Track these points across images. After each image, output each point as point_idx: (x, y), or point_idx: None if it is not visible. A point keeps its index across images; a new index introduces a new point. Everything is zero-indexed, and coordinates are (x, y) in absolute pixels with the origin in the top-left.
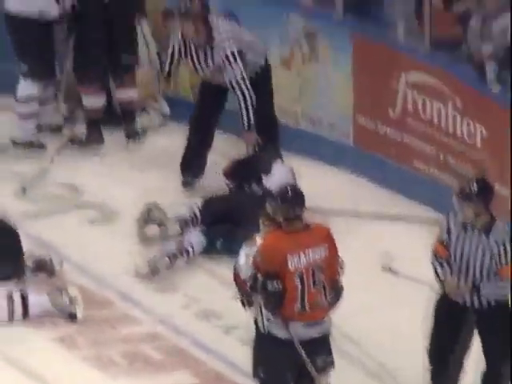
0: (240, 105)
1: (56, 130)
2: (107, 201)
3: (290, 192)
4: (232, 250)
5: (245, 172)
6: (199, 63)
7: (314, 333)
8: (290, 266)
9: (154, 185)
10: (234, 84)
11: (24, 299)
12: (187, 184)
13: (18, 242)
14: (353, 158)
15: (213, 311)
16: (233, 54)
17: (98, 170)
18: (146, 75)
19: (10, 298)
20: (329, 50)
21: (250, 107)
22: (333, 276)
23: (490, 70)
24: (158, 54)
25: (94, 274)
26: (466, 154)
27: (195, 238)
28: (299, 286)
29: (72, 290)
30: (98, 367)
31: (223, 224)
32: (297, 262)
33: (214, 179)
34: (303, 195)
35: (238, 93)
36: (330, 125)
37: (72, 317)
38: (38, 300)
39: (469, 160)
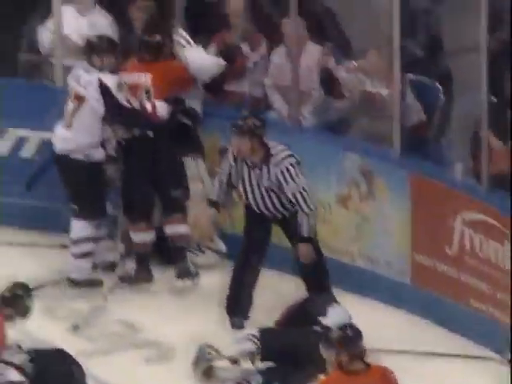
0: (301, 216)
1: (110, 267)
2: (161, 339)
3: (349, 332)
4: None
5: (300, 319)
6: (251, 185)
7: None
8: None
9: (207, 323)
10: (298, 195)
11: None
12: (236, 325)
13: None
14: (410, 296)
15: None
16: (293, 165)
17: (150, 307)
18: (201, 214)
19: None
20: (386, 188)
21: (311, 218)
22: None
23: None
24: None
25: None
26: None
27: (252, 375)
28: None
29: None
30: None
31: (282, 363)
32: None
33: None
34: (361, 335)
35: (301, 202)
36: (386, 263)
37: None
38: None
39: None
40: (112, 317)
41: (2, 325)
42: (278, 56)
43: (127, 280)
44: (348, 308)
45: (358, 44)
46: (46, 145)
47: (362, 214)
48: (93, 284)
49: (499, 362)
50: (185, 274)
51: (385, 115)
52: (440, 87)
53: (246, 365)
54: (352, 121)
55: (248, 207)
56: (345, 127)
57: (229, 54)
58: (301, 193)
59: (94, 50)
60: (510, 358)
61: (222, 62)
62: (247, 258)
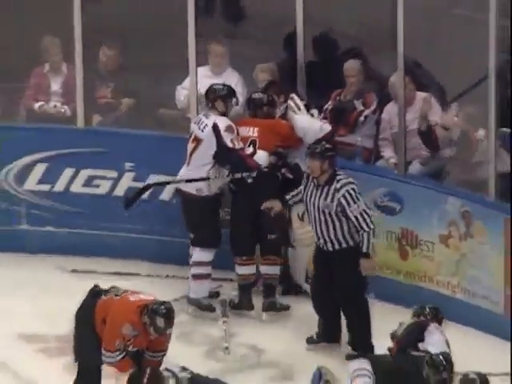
0: (362, 234)
1: (215, 295)
2: (281, 359)
3: (439, 359)
4: None
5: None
6: (313, 203)
7: None
8: None
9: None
10: (359, 216)
11: None
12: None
13: None
14: (503, 326)
15: None
16: (354, 190)
17: (265, 331)
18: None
19: None
20: (483, 229)
21: (371, 236)
22: None
23: None
24: None
25: None
26: None
27: None
28: None
29: None
30: None
31: None
32: None
33: None
34: (452, 364)
35: (361, 221)
36: (483, 296)
37: None
38: None
39: None
40: (237, 340)
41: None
42: (388, 111)
43: (232, 305)
44: (448, 334)
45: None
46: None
47: (460, 251)
48: (207, 309)
49: None
50: (270, 307)
51: (481, 162)
52: None
53: None
54: (451, 168)
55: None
56: (445, 174)
57: (340, 109)
58: (361, 214)
59: (218, 96)
60: None
61: (327, 127)
62: (320, 292)
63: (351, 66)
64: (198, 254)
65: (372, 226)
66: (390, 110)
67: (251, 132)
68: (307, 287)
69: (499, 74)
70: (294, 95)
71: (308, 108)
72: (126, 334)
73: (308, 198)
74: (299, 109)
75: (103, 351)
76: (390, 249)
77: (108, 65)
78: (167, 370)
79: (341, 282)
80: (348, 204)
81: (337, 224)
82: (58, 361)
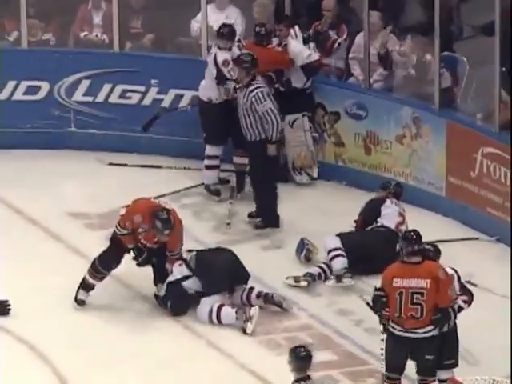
0: (270, 127)
1: (226, 182)
2: (275, 231)
3: (410, 234)
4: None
5: (367, 217)
6: (238, 100)
7: (413, 335)
8: (394, 285)
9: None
10: (264, 112)
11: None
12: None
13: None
14: (445, 205)
15: (347, 309)
16: (262, 93)
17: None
18: (303, 151)
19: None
20: (430, 131)
21: (275, 128)
22: (440, 304)
23: None
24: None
25: (266, 283)
26: None
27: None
28: (398, 300)
29: (253, 309)
30: (269, 348)
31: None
32: (400, 283)
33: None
34: (421, 237)
35: (267, 116)
36: (429, 182)
37: (244, 331)
38: (230, 313)
39: None
40: (240, 217)
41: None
42: (359, 38)
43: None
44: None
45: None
46: (194, 97)
47: (412, 148)
48: (215, 193)
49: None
50: (235, 191)
51: (431, 79)
52: (466, 61)
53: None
54: (405, 84)
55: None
56: (399, 89)
57: (319, 39)
58: (267, 111)
59: (221, 35)
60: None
61: (315, 56)
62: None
63: (328, 2)
64: (209, 149)
65: (275, 121)
66: (360, 38)
67: None
68: (294, 177)
69: (443, 12)
70: (296, 27)
71: (308, 40)
72: (135, 222)
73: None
74: (297, 37)
75: (116, 226)
76: (358, 147)
77: (137, 2)
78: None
79: (252, 167)
80: (257, 102)
81: (252, 118)
82: (99, 233)
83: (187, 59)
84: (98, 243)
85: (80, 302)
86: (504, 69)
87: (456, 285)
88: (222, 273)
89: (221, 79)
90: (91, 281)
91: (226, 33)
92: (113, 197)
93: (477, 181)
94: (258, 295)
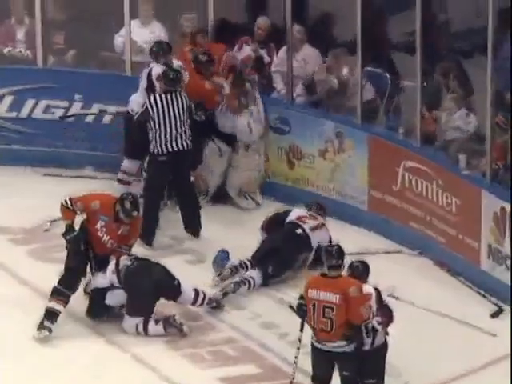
0: None
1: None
2: (200, 247)
3: (332, 249)
4: (281, 272)
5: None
6: None
7: (325, 347)
8: (309, 295)
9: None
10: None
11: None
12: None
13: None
14: (367, 219)
15: (271, 323)
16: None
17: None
18: (255, 180)
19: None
20: (352, 145)
21: None
22: (352, 320)
23: (462, 158)
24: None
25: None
26: (445, 217)
27: (254, 273)
28: (311, 311)
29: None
30: (193, 361)
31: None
32: (314, 294)
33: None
34: (342, 253)
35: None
36: (352, 196)
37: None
38: (157, 327)
39: (447, 221)
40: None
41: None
42: (282, 52)
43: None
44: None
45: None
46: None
47: (335, 162)
48: None
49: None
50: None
51: (349, 95)
52: (388, 76)
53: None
54: (327, 100)
55: None
56: (322, 104)
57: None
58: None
59: (157, 51)
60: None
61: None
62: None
63: (263, 21)
64: (125, 163)
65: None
66: (283, 52)
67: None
68: (240, 202)
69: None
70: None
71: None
72: (91, 207)
73: None
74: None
75: (65, 199)
76: (281, 161)
77: (59, 17)
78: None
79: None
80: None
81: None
82: (22, 248)
83: (111, 74)
84: (21, 258)
85: (48, 330)
86: (425, 84)
87: (373, 304)
88: (147, 297)
89: (150, 92)
90: (56, 307)
91: (163, 48)
92: (40, 210)
93: (399, 194)
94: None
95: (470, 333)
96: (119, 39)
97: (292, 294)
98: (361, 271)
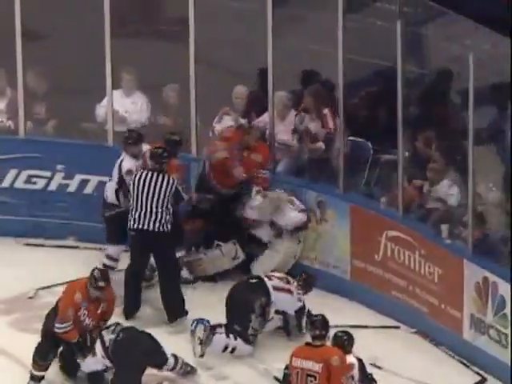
0: None
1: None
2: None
3: (317, 319)
4: (246, 322)
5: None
6: None
7: None
8: (293, 363)
9: None
10: None
11: None
12: None
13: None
14: (350, 288)
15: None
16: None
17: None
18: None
19: None
20: (334, 214)
21: None
22: None
23: (444, 228)
24: None
25: None
26: (427, 287)
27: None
28: (295, 379)
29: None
30: None
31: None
32: (298, 363)
33: None
34: (326, 324)
35: None
36: (334, 265)
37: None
38: None
39: (430, 290)
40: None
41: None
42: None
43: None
44: (310, 297)
45: None
46: (101, 184)
47: (317, 232)
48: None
49: (406, 331)
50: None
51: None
52: (370, 145)
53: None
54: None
55: None
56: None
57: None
58: None
59: (126, 141)
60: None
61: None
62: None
63: (240, 90)
64: (110, 249)
65: None
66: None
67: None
68: None
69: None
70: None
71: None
72: (76, 302)
73: None
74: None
75: (56, 323)
76: None
77: (41, 88)
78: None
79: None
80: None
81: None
82: (3, 318)
83: (93, 145)
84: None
85: None
86: (407, 153)
87: (355, 374)
88: (136, 367)
89: (120, 186)
90: (37, 373)
91: (132, 138)
92: (22, 280)
93: (381, 264)
94: None
95: None
96: (101, 109)
97: (275, 365)
98: (344, 341)
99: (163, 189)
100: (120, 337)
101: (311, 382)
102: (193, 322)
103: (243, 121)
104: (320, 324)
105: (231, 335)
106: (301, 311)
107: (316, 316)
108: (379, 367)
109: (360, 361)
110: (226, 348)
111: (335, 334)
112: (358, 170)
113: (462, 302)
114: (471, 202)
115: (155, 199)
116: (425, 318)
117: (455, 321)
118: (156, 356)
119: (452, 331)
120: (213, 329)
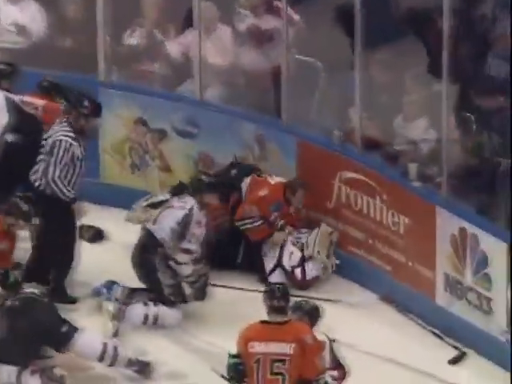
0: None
1: None
2: None
3: (275, 287)
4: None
5: None
6: None
7: None
8: (250, 350)
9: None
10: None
11: None
12: None
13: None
14: None
15: None
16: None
17: None
18: None
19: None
20: (276, 151)
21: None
22: (305, 374)
23: (412, 168)
24: None
25: None
26: (391, 240)
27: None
28: (254, 369)
29: None
30: None
31: None
32: (258, 348)
33: None
34: (288, 293)
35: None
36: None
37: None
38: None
39: (394, 245)
40: None
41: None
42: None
43: None
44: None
45: None
46: None
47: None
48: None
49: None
50: None
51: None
52: (321, 65)
53: None
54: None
55: None
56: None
57: None
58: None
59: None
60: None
61: None
62: None
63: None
64: None
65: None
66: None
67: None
68: None
69: None
70: None
71: None
72: None
73: None
74: None
75: None
76: (189, 172)
77: None
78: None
79: None
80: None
81: None
82: None
83: None
84: None
85: None
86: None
87: (327, 355)
88: (21, 341)
89: None
90: None
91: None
92: None
93: (334, 212)
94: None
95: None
96: None
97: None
98: (313, 314)
99: None
100: (14, 303)
101: (279, 368)
102: (97, 291)
103: (160, 36)
104: (281, 293)
105: (150, 302)
106: (177, 232)
107: (275, 284)
108: (332, 340)
109: (330, 340)
110: (146, 319)
111: (299, 305)
112: (308, 96)
113: (434, 258)
114: (445, 133)
115: None
116: (388, 279)
117: (426, 282)
118: (48, 334)
119: (422, 295)
120: (127, 297)
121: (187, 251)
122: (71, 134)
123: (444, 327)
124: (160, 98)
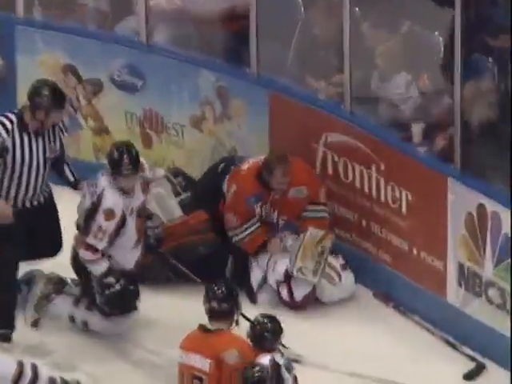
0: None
1: None
2: None
3: (217, 286)
4: None
5: None
6: None
7: None
8: (178, 360)
9: None
10: None
11: None
12: None
13: None
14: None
15: None
16: None
17: None
18: None
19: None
20: (242, 108)
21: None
22: None
23: (417, 129)
24: None
25: None
26: (390, 221)
27: None
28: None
29: None
30: None
31: None
32: (183, 358)
33: None
34: (231, 294)
35: None
36: None
37: None
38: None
39: (394, 228)
40: None
41: None
42: None
43: None
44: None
45: None
46: None
47: (216, 136)
48: None
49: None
50: None
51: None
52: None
53: None
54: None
55: None
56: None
57: None
58: None
59: None
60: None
61: None
62: None
63: None
64: None
65: None
66: None
67: None
68: None
69: None
70: None
71: None
72: None
73: None
74: None
75: None
76: (131, 134)
77: None
78: None
79: None
80: None
81: None
82: None
83: None
84: None
85: None
86: (357, 9)
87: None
88: None
89: None
90: None
91: None
92: None
93: None
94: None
95: None
96: None
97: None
98: (264, 332)
99: None
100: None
101: None
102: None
103: None
104: (224, 294)
105: (81, 304)
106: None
107: (219, 282)
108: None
109: (276, 367)
110: (72, 319)
111: (254, 320)
112: (283, 39)
113: (444, 245)
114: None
115: None
116: (386, 272)
117: (434, 275)
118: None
119: (430, 292)
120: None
121: (90, 248)
122: None
123: (458, 332)
124: (94, 40)
